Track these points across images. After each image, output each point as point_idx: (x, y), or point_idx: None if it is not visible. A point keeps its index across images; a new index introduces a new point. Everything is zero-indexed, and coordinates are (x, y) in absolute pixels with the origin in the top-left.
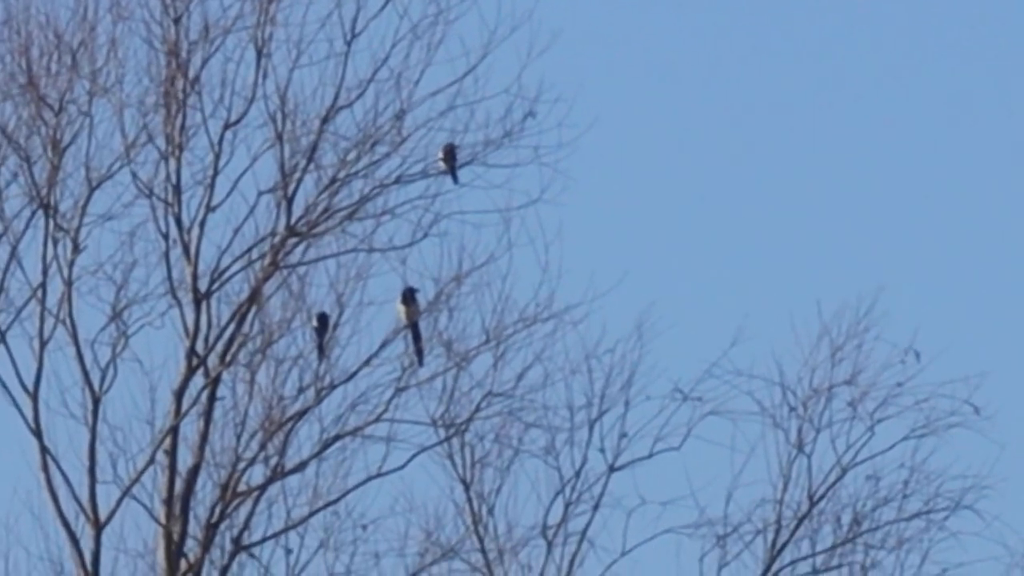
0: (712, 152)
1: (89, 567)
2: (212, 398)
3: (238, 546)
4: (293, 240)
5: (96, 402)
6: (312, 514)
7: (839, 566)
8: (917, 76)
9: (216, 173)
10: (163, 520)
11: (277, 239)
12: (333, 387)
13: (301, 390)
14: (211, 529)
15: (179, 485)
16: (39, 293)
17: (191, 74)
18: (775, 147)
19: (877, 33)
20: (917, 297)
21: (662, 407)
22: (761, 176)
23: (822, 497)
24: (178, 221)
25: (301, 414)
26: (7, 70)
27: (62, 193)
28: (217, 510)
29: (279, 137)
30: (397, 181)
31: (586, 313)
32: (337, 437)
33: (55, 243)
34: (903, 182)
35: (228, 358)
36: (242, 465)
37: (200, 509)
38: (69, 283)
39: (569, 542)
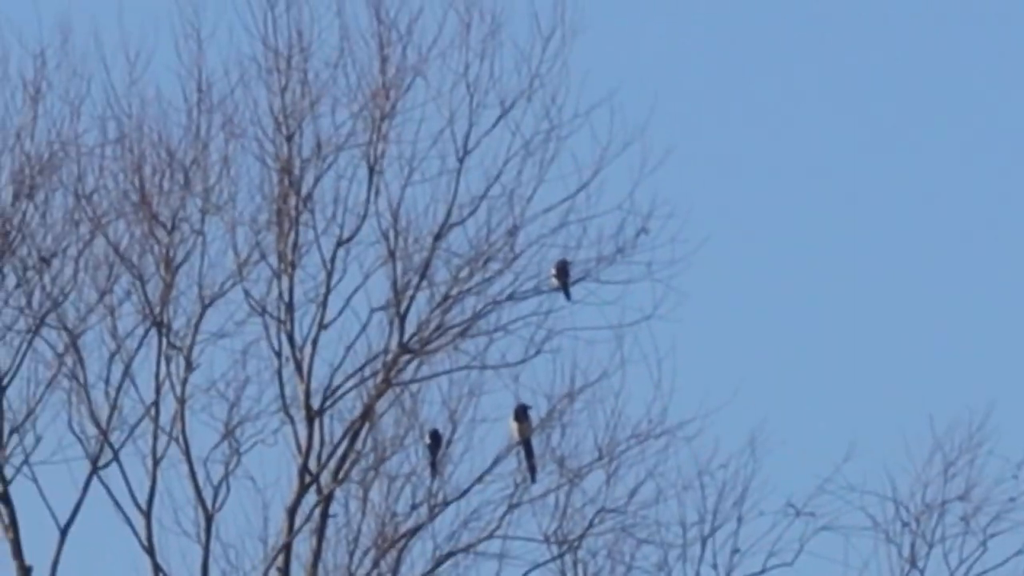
0: (822, 269)
1: None
2: (325, 515)
3: None
4: (406, 357)
5: (209, 519)
6: None
7: None
8: None
9: (328, 291)
10: None
11: (390, 356)
12: (446, 504)
13: (414, 507)
14: None
15: None
16: (152, 411)
17: (303, 192)
18: (883, 264)
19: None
20: None
21: (775, 523)
22: (871, 292)
23: None
24: (291, 339)
25: (414, 531)
26: (120, 188)
27: (175, 311)
28: None
29: (391, 254)
30: (510, 298)
31: (699, 429)
32: (450, 554)
33: (168, 361)
34: (1015, 296)
35: (341, 475)
36: None
37: None
38: (182, 401)
39: None
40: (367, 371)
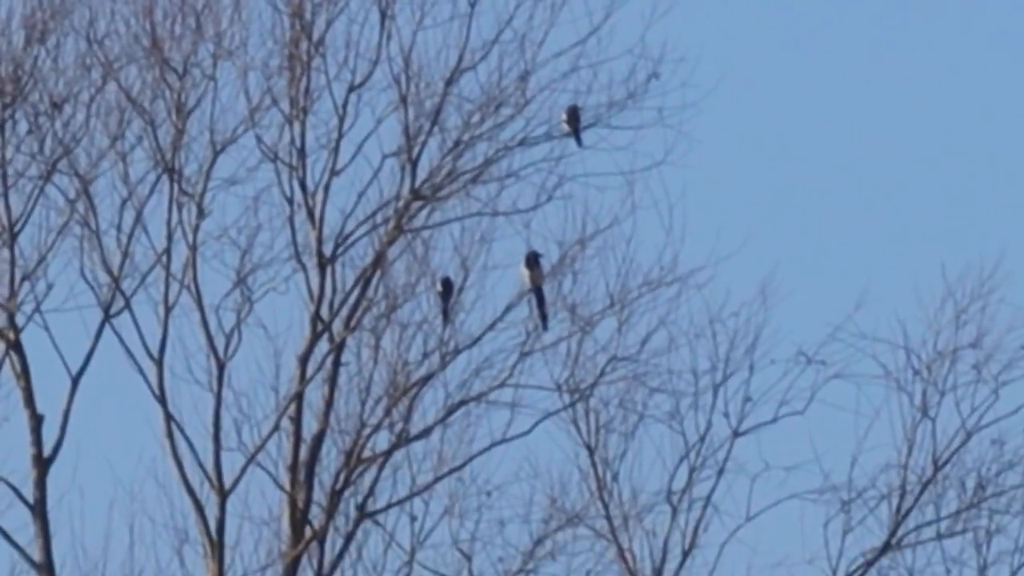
0: (836, 113)
1: (214, 534)
2: (337, 364)
3: (363, 513)
4: (417, 204)
5: (221, 368)
6: (437, 480)
7: (964, 531)
8: None
9: (340, 136)
10: (288, 487)
11: (401, 203)
12: (457, 352)
13: (426, 355)
14: (336, 496)
15: (304, 452)
16: (164, 258)
17: (315, 36)
18: (899, 108)
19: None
20: None
21: (786, 371)
22: (884, 138)
23: (947, 462)
24: (303, 185)
25: (426, 379)
26: (131, 33)
27: (186, 157)
28: (342, 477)
29: (403, 100)
30: (521, 144)
31: (710, 277)
32: (462, 403)
33: (180, 208)
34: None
35: (353, 323)
36: (367, 431)
37: (325, 476)
38: (194, 248)
39: (693, 507)
40: (379, 218)
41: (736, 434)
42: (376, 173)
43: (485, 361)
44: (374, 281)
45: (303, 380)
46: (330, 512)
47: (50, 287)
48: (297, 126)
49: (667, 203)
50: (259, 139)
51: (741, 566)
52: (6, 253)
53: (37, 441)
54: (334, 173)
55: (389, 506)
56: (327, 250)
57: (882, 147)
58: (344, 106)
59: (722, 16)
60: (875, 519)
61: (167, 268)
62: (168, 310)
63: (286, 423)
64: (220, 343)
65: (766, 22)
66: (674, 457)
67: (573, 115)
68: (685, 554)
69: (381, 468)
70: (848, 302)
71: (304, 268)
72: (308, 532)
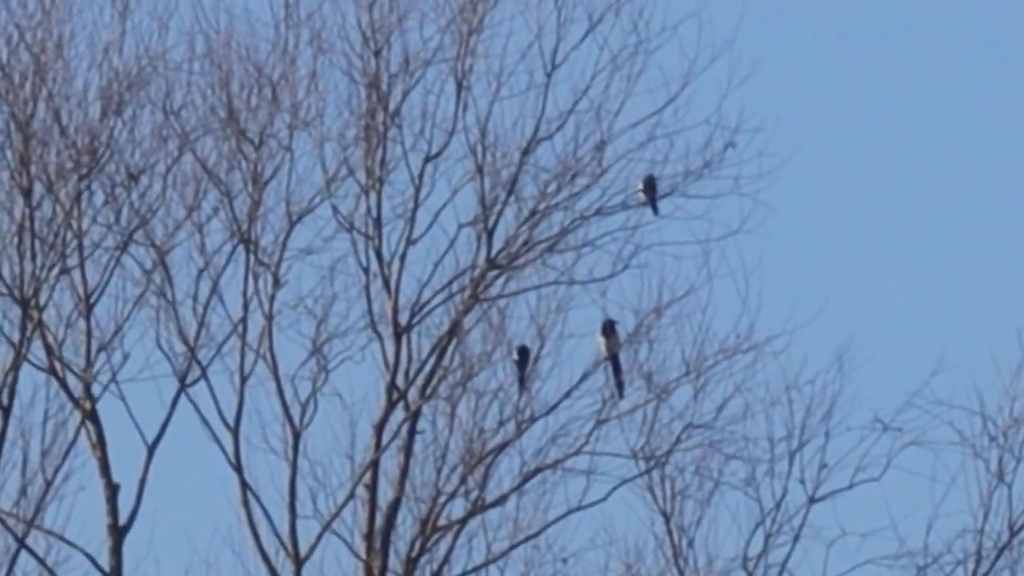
0: (912, 181)
1: None
2: (412, 432)
3: None
4: (493, 273)
5: (296, 437)
6: (513, 548)
7: None
8: None
9: (417, 206)
10: (363, 555)
11: (477, 272)
12: (534, 420)
13: (502, 423)
14: (411, 564)
15: (379, 520)
16: (240, 328)
17: (391, 107)
18: (977, 176)
19: None
20: None
21: (862, 438)
22: (962, 204)
23: (1023, 527)
24: (379, 255)
25: (502, 447)
26: (208, 104)
27: (263, 228)
28: (417, 544)
29: (479, 169)
30: (597, 213)
31: (786, 344)
32: (538, 470)
33: (256, 278)
34: None
35: (428, 392)
36: (442, 499)
37: (400, 544)
38: (270, 318)
39: (769, 574)
40: (455, 287)
41: (812, 500)
42: (452, 242)
43: (561, 429)
44: (450, 350)
45: (379, 448)
46: None
47: (126, 357)
48: (373, 196)
49: (743, 271)
50: (335, 209)
51: None
52: (82, 324)
53: (113, 510)
54: (410, 243)
55: (465, 574)
56: (403, 319)
57: (957, 215)
58: (420, 176)
59: (798, 86)
60: None
61: (243, 338)
62: (244, 379)
63: (361, 491)
64: (296, 412)
65: (842, 91)
66: (750, 524)
67: (649, 184)
68: None
69: (456, 536)
70: (924, 369)
71: (380, 337)
72: None
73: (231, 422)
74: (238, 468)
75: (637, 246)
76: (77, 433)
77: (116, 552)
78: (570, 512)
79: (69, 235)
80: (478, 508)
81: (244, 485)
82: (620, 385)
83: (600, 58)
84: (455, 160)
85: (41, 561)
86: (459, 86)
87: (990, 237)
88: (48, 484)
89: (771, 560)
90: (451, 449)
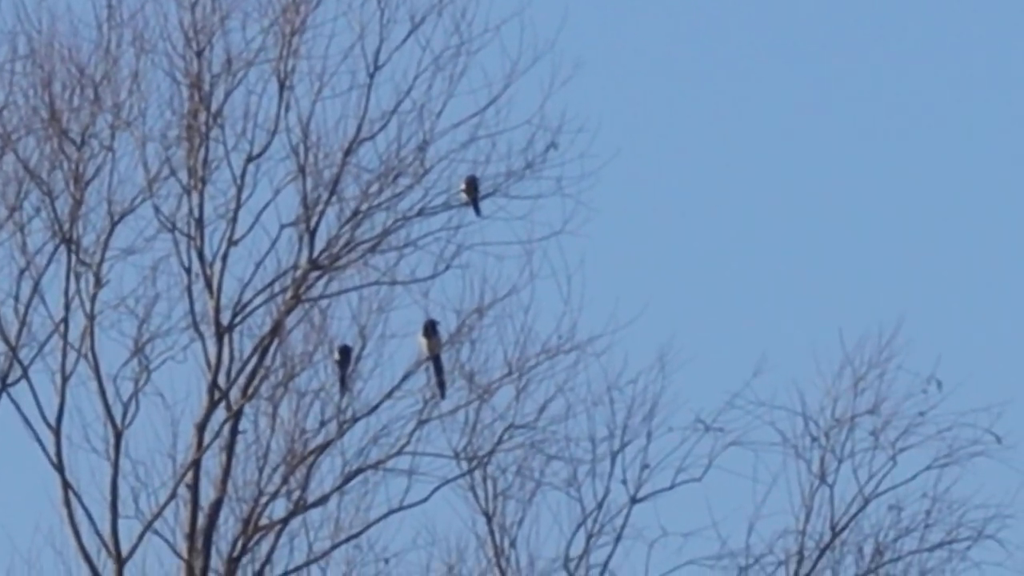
0: (734, 183)
1: None
2: (234, 432)
3: None
4: (315, 273)
5: (118, 436)
6: (334, 547)
7: None
8: (947, 107)
9: (239, 207)
10: (185, 555)
11: (299, 272)
12: (355, 420)
13: (323, 423)
14: (233, 563)
15: (201, 519)
16: (61, 327)
17: (214, 107)
18: (796, 178)
19: (864, 42)
20: (938, 326)
21: (684, 438)
22: (783, 207)
23: (844, 527)
24: (200, 255)
25: (323, 447)
26: (30, 104)
27: (85, 227)
28: (239, 544)
29: (302, 170)
30: (419, 213)
31: (608, 344)
32: (359, 470)
33: (77, 277)
34: (924, 211)
35: (250, 391)
36: (264, 499)
37: (222, 543)
38: (91, 317)
39: (591, 574)
40: (276, 287)
41: (634, 501)
42: (274, 243)
43: (383, 429)
44: (272, 350)
45: (200, 448)
46: None
47: None
48: (195, 196)
49: (565, 272)
50: (157, 209)
51: None
52: None
53: None
54: (232, 243)
55: (286, 574)
56: (225, 319)
57: (776, 215)
58: (242, 176)
59: (619, 88)
60: None
61: (64, 337)
62: (65, 379)
63: (183, 491)
64: (118, 412)
65: (663, 92)
66: (572, 524)
67: (471, 185)
68: None
69: (278, 536)
70: (746, 370)
71: (202, 337)
72: None
73: (52, 422)
74: (59, 468)
75: (459, 246)
76: None
77: None
78: (392, 512)
79: None
80: (300, 508)
81: (66, 484)
82: (442, 385)
83: (423, 59)
84: (277, 160)
85: None
86: (281, 86)
87: (810, 237)
88: None
89: (593, 560)
90: (273, 449)
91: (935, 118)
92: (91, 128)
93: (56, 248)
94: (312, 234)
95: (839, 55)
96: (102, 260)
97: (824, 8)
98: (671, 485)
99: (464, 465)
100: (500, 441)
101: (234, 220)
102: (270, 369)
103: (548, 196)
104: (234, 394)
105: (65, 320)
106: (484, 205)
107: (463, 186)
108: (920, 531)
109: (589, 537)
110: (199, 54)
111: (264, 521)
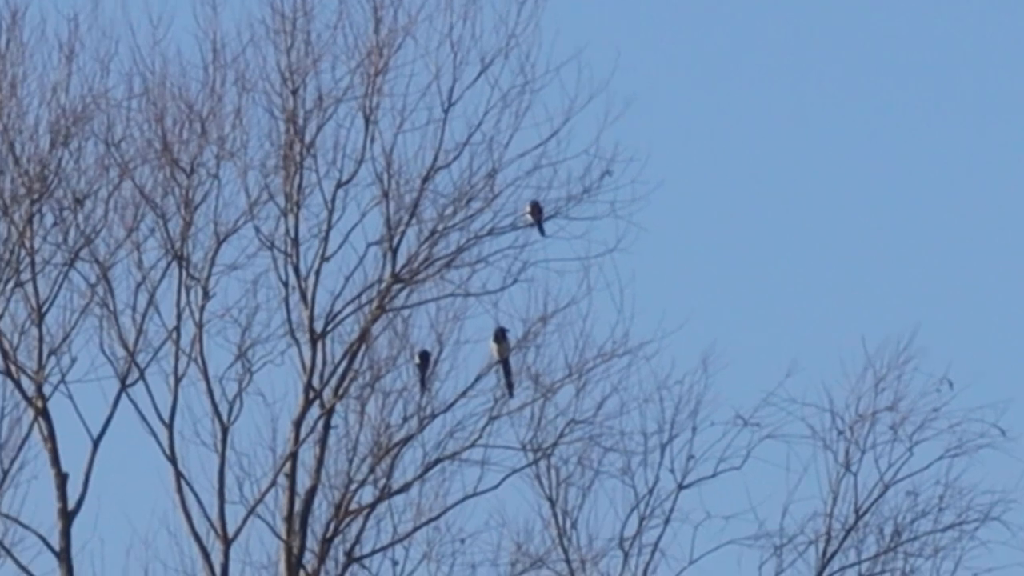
0: (767, 206)
1: None
2: (327, 427)
3: (350, 559)
4: (398, 286)
5: (224, 431)
6: (416, 529)
7: (882, 572)
8: (967, 122)
9: (330, 227)
10: (284, 536)
11: (383, 285)
12: (434, 416)
13: (406, 419)
14: (326, 544)
15: (298, 504)
16: (174, 335)
17: (307, 139)
18: (823, 204)
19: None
20: (951, 332)
21: (725, 432)
22: (812, 228)
23: (867, 511)
24: (296, 270)
25: (406, 441)
26: (144, 137)
27: (194, 246)
28: (332, 527)
29: (385, 195)
30: (490, 233)
31: (657, 349)
32: (437, 461)
33: (188, 291)
34: (938, 231)
35: (341, 391)
36: (354, 486)
37: (317, 526)
38: (200, 326)
39: (643, 553)
40: (363, 298)
41: (680, 488)
42: (361, 259)
43: (458, 424)
44: (360, 354)
45: (297, 442)
46: (321, 558)
47: (73, 361)
48: (291, 218)
49: (618, 285)
50: (257, 230)
51: None
52: (35, 331)
53: (62, 496)
54: (324, 259)
55: (374, 552)
56: (318, 327)
57: (805, 235)
58: (332, 201)
59: (666, 122)
60: (804, 562)
61: (177, 344)
62: (178, 380)
63: (282, 479)
64: (224, 409)
65: (705, 127)
66: (626, 508)
67: (536, 208)
68: None
69: (366, 519)
70: (780, 371)
71: (298, 343)
72: None
73: (166, 418)
74: (173, 459)
75: (525, 262)
76: (30, 428)
77: (65, 534)
78: (466, 498)
79: (22, 253)
80: (385, 494)
81: (178, 474)
82: (510, 385)
83: (491, 96)
84: (363, 186)
85: None
86: (367, 121)
87: (836, 254)
88: (5, 473)
89: (644, 540)
90: (361, 442)
91: (956, 136)
92: (199, 158)
93: (169, 264)
94: (395, 251)
95: (867, 76)
96: (209, 275)
97: (856, 35)
98: (713, 473)
99: (530, 456)
100: (562, 435)
101: (326, 239)
102: (358, 371)
103: (603, 218)
104: (327, 394)
105: (177, 328)
106: (547, 226)
107: (528, 209)
108: (934, 514)
109: (641, 520)
110: (294, 92)
111: (354, 506)
